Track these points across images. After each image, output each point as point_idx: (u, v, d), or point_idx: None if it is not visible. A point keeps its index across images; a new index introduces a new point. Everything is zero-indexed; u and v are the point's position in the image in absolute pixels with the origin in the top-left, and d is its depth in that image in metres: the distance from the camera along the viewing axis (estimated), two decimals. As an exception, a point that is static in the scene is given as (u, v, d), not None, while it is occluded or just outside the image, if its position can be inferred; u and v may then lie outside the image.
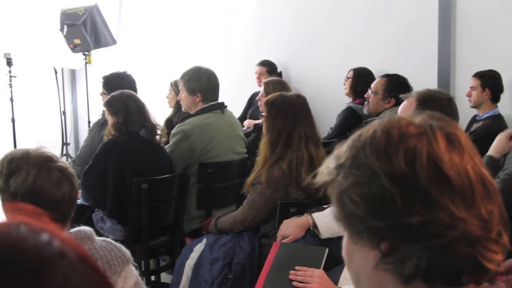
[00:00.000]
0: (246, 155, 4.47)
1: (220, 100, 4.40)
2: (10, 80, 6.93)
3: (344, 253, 1.12)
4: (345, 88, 5.60)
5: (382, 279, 1.03)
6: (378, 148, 1.01)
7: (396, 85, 4.68)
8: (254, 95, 6.18)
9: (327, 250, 2.87)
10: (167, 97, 5.87)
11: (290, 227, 3.16)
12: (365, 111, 4.95)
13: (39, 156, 2.00)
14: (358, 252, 1.06)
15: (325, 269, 2.73)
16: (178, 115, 5.32)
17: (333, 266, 2.73)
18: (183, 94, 4.37)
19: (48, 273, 0.68)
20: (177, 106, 5.47)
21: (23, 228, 0.71)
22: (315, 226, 3.14)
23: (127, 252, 2.07)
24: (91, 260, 0.75)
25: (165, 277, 4.41)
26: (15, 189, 1.94)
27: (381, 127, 1.04)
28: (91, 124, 6.49)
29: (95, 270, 0.74)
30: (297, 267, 2.73)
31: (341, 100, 5.66)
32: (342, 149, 1.07)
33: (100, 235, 2.28)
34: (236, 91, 6.32)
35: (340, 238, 2.95)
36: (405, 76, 4.84)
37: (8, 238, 0.70)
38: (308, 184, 3.27)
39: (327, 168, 1.08)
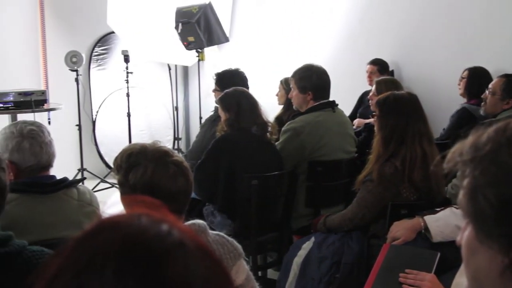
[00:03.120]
0: (356, 154, 4.43)
1: (331, 99, 4.38)
2: (127, 76, 7.20)
3: (464, 247, 1.02)
4: (460, 88, 5.43)
5: None
6: None
7: (516, 86, 4.50)
8: (365, 94, 6.11)
9: (438, 254, 2.80)
10: (277, 95, 5.91)
11: (401, 229, 3.10)
12: (481, 112, 4.78)
13: (156, 150, 2.07)
14: (483, 252, 0.97)
15: (436, 273, 2.66)
16: (288, 113, 5.34)
17: (445, 271, 2.66)
18: (294, 92, 4.38)
19: (169, 262, 0.70)
20: (287, 104, 5.49)
21: (144, 219, 0.74)
22: (426, 229, 3.06)
23: (239, 246, 2.10)
24: (210, 250, 0.76)
25: (271, 273, 4.44)
26: (134, 182, 2.01)
27: None
28: (202, 120, 6.63)
29: (213, 260, 0.76)
30: (407, 270, 2.68)
31: (455, 100, 5.49)
32: (481, 139, 0.98)
33: (210, 229, 2.32)
34: (346, 90, 6.26)
35: (453, 242, 2.86)
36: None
37: (130, 228, 0.72)
38: (420, 183, 3.21)
39: (460, 156, 0.99)
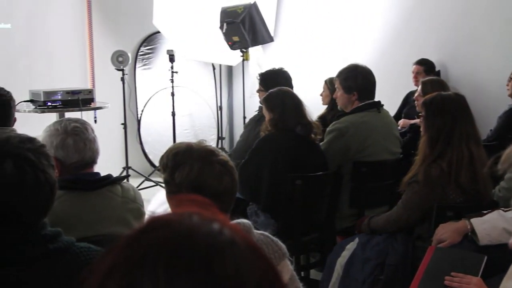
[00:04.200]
0: (401, 155, 4.39)
1: (375, 99, 4.35)
2: (172, 76, 7.27)
3: None
4: (508, 89, 5.33)
5: None
6: None
7: None
8: (410, 94, 6.05)
9: (485, 257, 2.76)
10: (321, 95, 5.89)
11: (447, 232, 3.06)
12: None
13: (202, 150, 2.08)
14: None
15: (482, 277, 2.63)
16: (332, 113, 5.32)
17: (492, 275, 2.62)
18: (339, 93, 4.36)
19: (220, 261, 0.70)
20: (331, 104, 5.47)
21: (195, 218, 0.74)
22: (473, 231, 3.01)
23: (283, 246, 2.10)
24: (260, 249, 0.76)
25: (314, 274, 4.43)
26: (180, 181, 2.03)
27: None
28: (246, 120, 6.66)
29: (263, 259, 0.76)
30: (453, 273, 2.65)
31: (503, 101, 5.39)
32: None
33: (254, 228, 2.32)
34: (391, 90, 6.20)
35: (500, 246, 2.82)
36: None
37: (181, 226, 0.73)
38: (467, 185, 3.16)
39: None
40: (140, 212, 2.79)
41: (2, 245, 1.68)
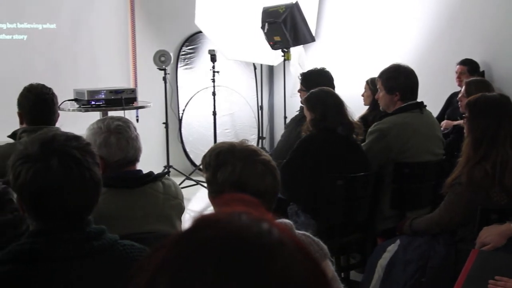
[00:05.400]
0: (444, 156, 4.34)
1: (418, 100, 4.31)
2: (213, 75, 7.31)
3: None
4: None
5: None
6: None
7: None
8: (453, 95, 5.97)
9: (531, 261, 2.71)
10: (362, 95, 5.86)
11: (491, 235, 3.01)
12: None
13: (244, 149, 2.09)
14: None
15: (528, 281, 2.58)
16: (373, 113, 5.29)
17: (538, 279, 2.57)
18: (381, 93, 4.33)
19: (270, 261, 0.70)
20: (373, 104, 5.44)
21: (244, 217, 0.74)
22: (517, 235, 2.97)
23: (324, 247, 2.09)
24: (307, 249, 0.76)
25: (354, 275, 4.40)
26: (222, 181, 2.04)
27: None
28: (287, 120, 6.65)
29: (312, 260, 0.75)
30: (497, 277, 2.61)
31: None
32: None
33: (296, 228, 2.32)
34: (434, 91, 6.13)
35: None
36: None
37: (231, 226, 0.73)
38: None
39: None
40: (181, 207, 2.82)
41: (47, 242, 1.71)
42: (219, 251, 0.69)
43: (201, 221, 0.74)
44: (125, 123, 2.78)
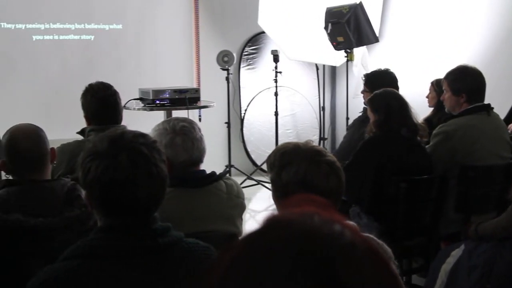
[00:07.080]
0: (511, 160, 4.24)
1: (485, 101, 4.22)
2: (276, 76, 7.32)
3: None
4: None
5: None
6: None
7: None
8: (522, 97, 5.83)
9: None
10: (427, 97, 5.77)
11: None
12: None
13: (309, 150, 2.09)
14: None
15: None
16: (438, 115, 5.20)
17: None
18: (447, 94, 4.26)
19: (342, 263, 0.70)
20: (438, 106, 5.35)
21: (316, 218, 0.74)
22: None
23: (388, 250, 2.08)
24: (378, 251, 0.76)
25: (416, 279, 4.34)
26: (287, 181, 2.05)
27: None
28: (350, 121, 6.60)
29: (384, 263, 0.75)
30: None
31: None
32: None
33: (359, 230, 2.30)
34: (502, 92, 5.99)
35: None
36: None
37: (303, 227, 0.73)
38: None
39: None
40: (243, 207, 2.85)
41: (115, 238, 1.75)
42: (291, 252, 0.69)
43: (273, 222, 0.74)
44: (190, 124, 2.81)
